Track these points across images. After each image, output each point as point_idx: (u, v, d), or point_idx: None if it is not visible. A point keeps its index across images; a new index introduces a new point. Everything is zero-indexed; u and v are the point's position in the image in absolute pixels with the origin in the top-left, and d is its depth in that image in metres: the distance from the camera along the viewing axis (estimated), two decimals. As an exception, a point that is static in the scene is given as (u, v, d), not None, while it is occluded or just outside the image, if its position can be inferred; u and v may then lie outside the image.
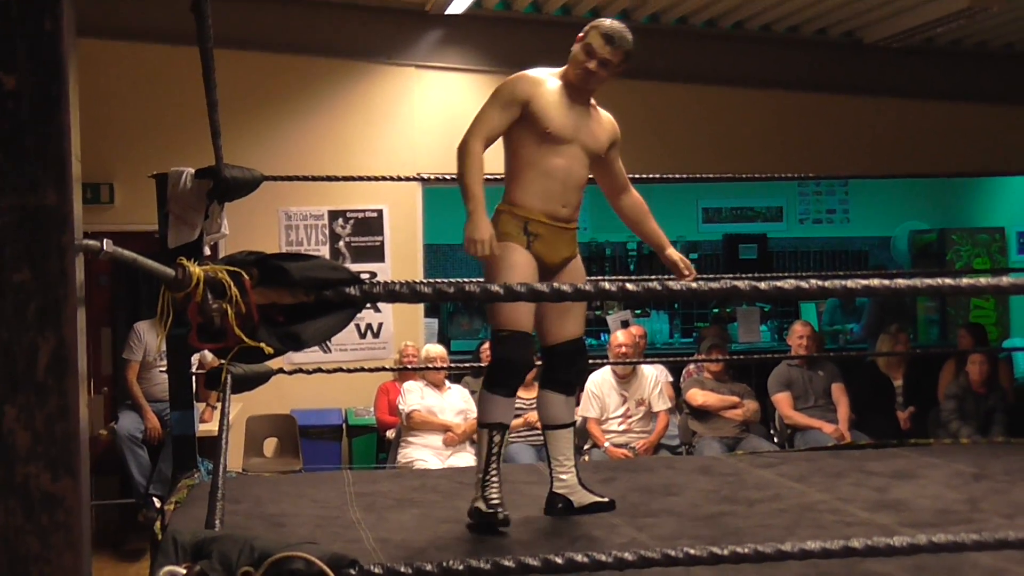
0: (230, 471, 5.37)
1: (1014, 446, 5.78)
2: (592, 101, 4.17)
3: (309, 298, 1.67)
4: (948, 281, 1.68)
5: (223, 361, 3.67)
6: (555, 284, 1.72)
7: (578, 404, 6.47)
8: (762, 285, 1.60)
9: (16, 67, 1.38)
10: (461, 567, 1.66)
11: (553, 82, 4.02)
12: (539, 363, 4.42)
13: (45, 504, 1.38)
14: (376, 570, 1.62)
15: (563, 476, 4.16)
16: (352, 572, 1.63)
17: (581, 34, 4.06)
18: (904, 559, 3.26)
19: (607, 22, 4.07)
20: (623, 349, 7.37)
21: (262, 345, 1.68)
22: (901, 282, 1.66)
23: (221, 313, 1.64)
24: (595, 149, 4.10)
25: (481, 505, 3.86)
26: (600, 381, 7.36)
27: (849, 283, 1.63)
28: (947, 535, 1.69)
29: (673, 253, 4.30)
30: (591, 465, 6.17)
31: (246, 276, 1.66)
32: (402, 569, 1.63)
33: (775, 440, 7.64)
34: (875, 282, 1.67)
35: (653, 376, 7.41)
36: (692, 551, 1.62)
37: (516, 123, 3.95)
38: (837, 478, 4.81)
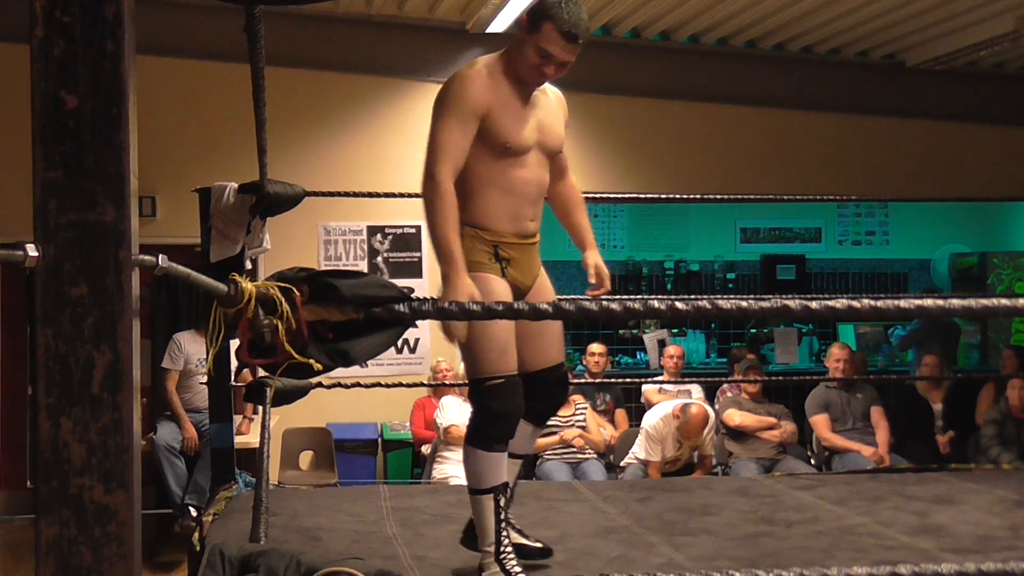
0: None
1: (1056, 472, 5.72)
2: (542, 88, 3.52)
3: (359, 316, 1.68)
4: (1004, 302, 1.67)
5: (269, 376, 3.69)
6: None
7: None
8: (813, 304, 1.60)
9: (79, 87, 1.41)
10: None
11: (501, 81, 3.36)
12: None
13: (98, 516, 1.40)
14: (421, 587, 1.62)
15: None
16: (397, 589, 1.63)
17: (526, 16, 3.35)
18: (945, 585, 3.22)
19: (564, 10, 3.26)
20: (674, 360, 7.48)
21: (311, 361, 1.70)
22: (955, 302, 1.65)
23: (272, 329, 1.65)
24: (555, 145, 3.50)
25: None
26: (659, 424, 7.25)
27: (902, 303, 1.63)
28: (994, 564, 1.68)
29: (594, 257, 3.66)
30: (626, 484, 6.15)
31: (297, 293, 1.68)
32: (447, 587, 1.63)
33: (812, 462, 7.59)
34: (928, 302, 1.66)
35: (710, 424, 7.26)
36: (735, 574, 1.61)
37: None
38: (876, 502, 4.77)
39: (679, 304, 1.66)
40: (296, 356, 1.68)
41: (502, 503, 3.31)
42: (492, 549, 3.30)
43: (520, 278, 3.46)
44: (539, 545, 3.61)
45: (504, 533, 3.32)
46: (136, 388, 1.45)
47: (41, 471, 1.39)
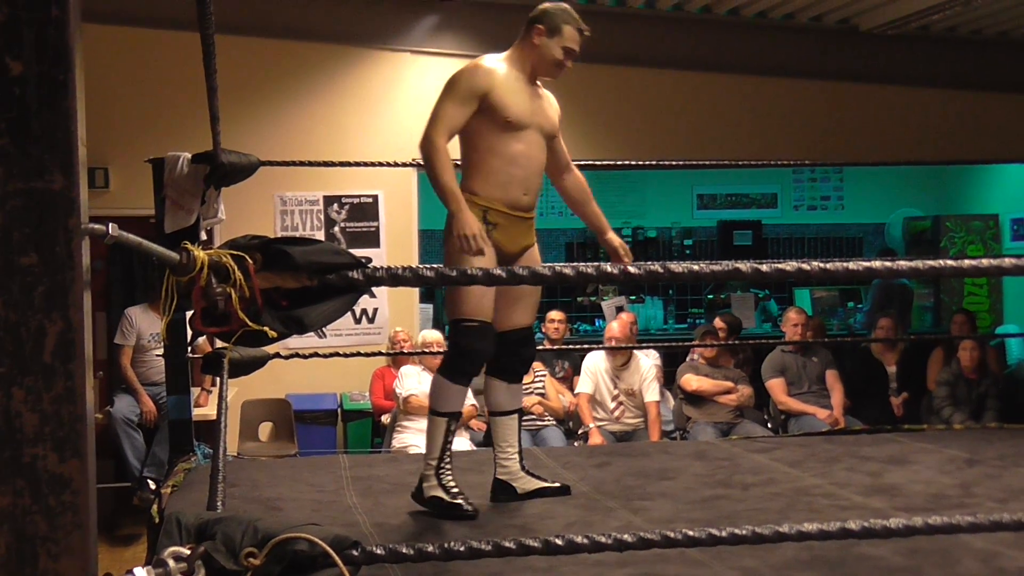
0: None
1: (1007, 432, 5.81)
2: (537, 82, 4.13)
3: (312, 282, 1.68)
4: (951, 263, 1.70)
5: (224, 345, 3.70)
6: (534, 268, 1.74)
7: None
8: (764, 267, 1.61)
9: (23, 53, 1.39)
10: (462, 548, 1.68)
11: (507, 69, 3.98)
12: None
13: (52, 485, 1.39)
14: (379, 551, 1.64)
15: (505, 463, 4.16)
16: (355, 553, 1.64)
17: (541, 25, 4.01)
18: (898, 543, 3.29)
19: (564, 10, 4.06)
20: (614, 342, 7.46)
21: (266, 329, 1.69)
22: (902, 263, 1.68)
23: (225, 297, 1.65)
24: (550, 131, 4.07)
25: (442, 494, 3.86)
26: (595, 365, 7.43)
27: (851, 264, 1.65)
28: (942, 518, 1.71)
29: (613, 238, 4.26)
30: (586, 450, 6.19)
31: (250, 260, 1.67)
32: (404, 550, 1.64)
33: (769, 426, 7.67)
34: (876, 264, 1.68)
35: (647, 367, 7.45)
36: (691, 533, 1.64)
37: (474, 114, 3.90)
38: (831, 463, 4.83)
39: (632, 268, 1.68)
40: (250, 324, 1.68)
41: (452, 428, 3.91)
42: (435, 463, 3.88)
43: (505, 243, 3.95)
44: (557, 484, 4.19)
45: (448, 453, 3.90)
46: (88, 357, 1.44)
47: (-6, 441, 1.38)
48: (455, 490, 3.86)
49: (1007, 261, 1.77)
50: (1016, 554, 3.29)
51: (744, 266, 1.64)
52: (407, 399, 7.14)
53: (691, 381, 7.54)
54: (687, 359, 8.06)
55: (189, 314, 2.40)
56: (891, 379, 8.06)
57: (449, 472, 3.89)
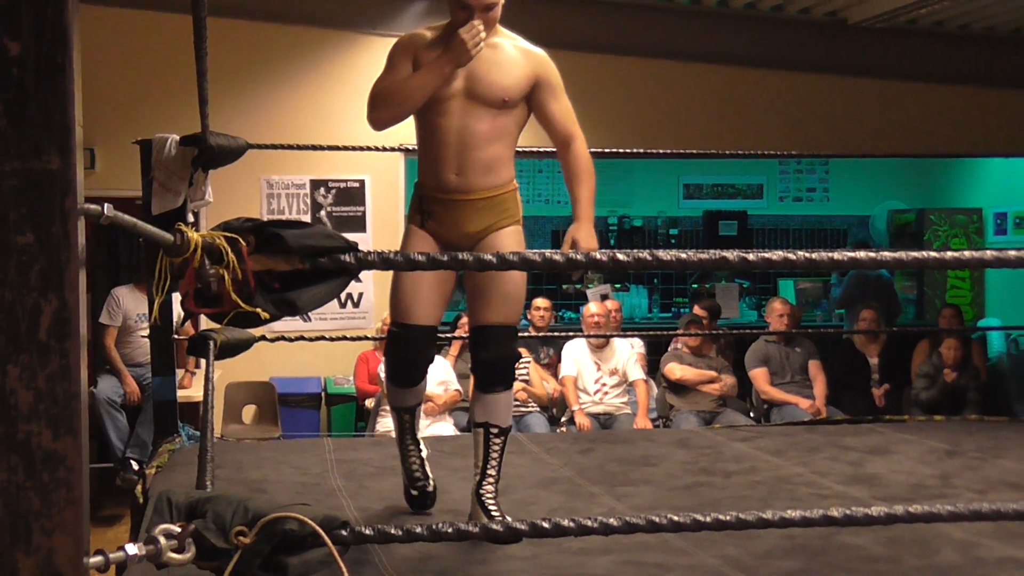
0: (210, 437, 5.40)
1: (987, 424, 5.87)
2: (503, 43, 3.52)
3: (305, 265, 1.70)
4: (932, 255, 1.72)
5: (214, 327, 3.70)
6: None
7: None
8: (750, 256, 1.64)
9: (21, 33, 1.40)
10: (450, 530, 1.70)
11: (430, 37, 3.49)
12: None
13: (46, 462, 1.41)
14: (367, 531, 1.66)
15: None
16: (343, 533, 1.66)
17: None
18: (878, 532, 3.32)
19: None
20: (595, 319, 7.54)
21: (258, 311, 1.71)
22: (886, 255, 1.70)
23: (218, 279, 1.66)
24: (493, 96, 3.44)
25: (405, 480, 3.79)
26: (575, 350, 7.52)
27: (835, 255, 1.67)
28: (923, 507, 1.74)
29: (574, 230, 3.52)
30: (569, 436, 6.23)
31: (243, 243, 1.69)
32: (392, 531, 1.66)
33: (751, 415, 7.72)
34: (860, 254, 1.71)
35: (627, 347, 7.53)
36: (676, 518, 1.66)
37: None
38: (813, 452, 4.88)
39: (621, 255, 1.70)
40: (243, 305, 1.70)
41: (406, 419, 3.76)
42: (401, 448, 3.79)
43: (442, 232, 3.49)
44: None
45: (408, 440, 3.76)
46: (84, 336, 1.46)
47: (-12, 418, 1.40)
48: (416, 475, 3.76)
49: (988, 254, 1.79)
50: (994, 544, 3.33)
51: (731, 255, 1.66)
52: (391, 384, 7.16)
53: (675, 370, 7.58)
54: (670, 348, 8.10)
55: (177, 296, 2.37)
56: (873, 370, 8.11)
57: (414, 459, 3.77)
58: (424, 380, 3.71)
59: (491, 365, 3.56)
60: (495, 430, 3.57)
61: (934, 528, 3.41)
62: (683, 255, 1.68)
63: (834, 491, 4.14)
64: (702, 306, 8.61)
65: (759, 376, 7.65)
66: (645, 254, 1.68)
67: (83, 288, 1.46)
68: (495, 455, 3.58)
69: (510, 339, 3.56)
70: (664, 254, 1.67)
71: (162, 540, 1.57)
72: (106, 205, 1.59)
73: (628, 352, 7.55)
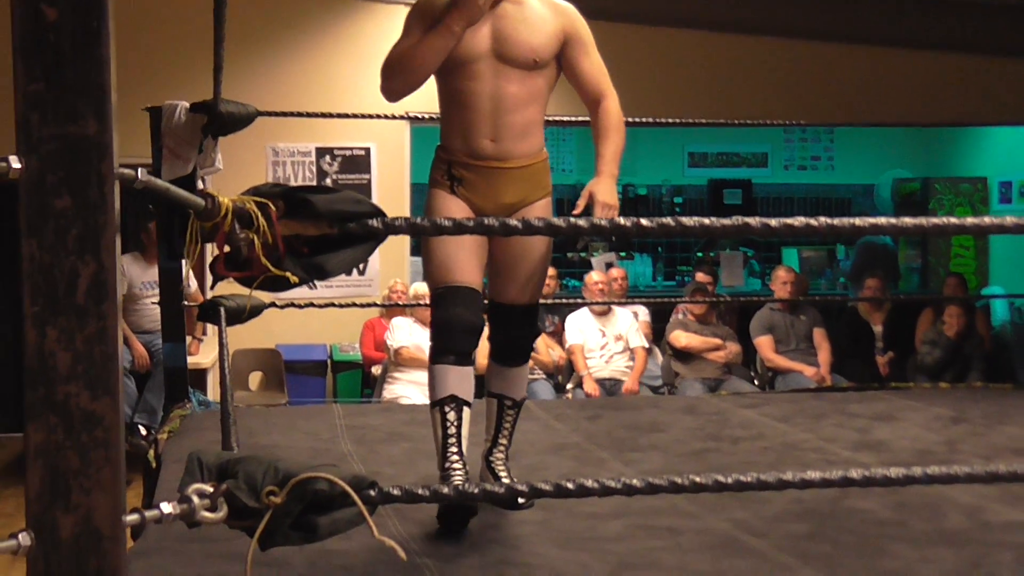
0: (215, 402, 5.45)
1: (991, 391, 5.91)
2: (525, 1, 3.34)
3: (333, 230, 1.72)
4: (936, 221, 1.75)
5: (222, 295, 3.71)
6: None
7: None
8: (772, 222, 1.66)
9: (58, 0, 1.42)
10: (476, 490, 1.73)
11: None
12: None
13: (85, 422, 1.43)
14: (395, 492, 1.69)
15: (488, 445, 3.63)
16: (372, 494, 1.69)
17: None
18: (886, 496, 3.37)
19: None
20: (599, 286, 7.58)
21: (287, 274, 1.73)
22: (886, 221, 1.73)
23: (248, 243, 1.69)
24: (523, 57, 3.29)
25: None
26: (579, 319, 7.58)
27: (856, 221, 1.70)
28: (939, 468, 1.77)
29: (592, 184, 3.39)
30: (576, 403, 6.27)
31: (273, 207, 1.71)
32: (419, 491, 1.69)
33: (756, 383, 7.76)
34: (866, 221, 1.73)
35: (628, 315, 7.62)
36: (697, 479, 1.69)
37: None
38: (819, 419, 4.92)
39: (645, 221, 1.72)
40: (272, 269, 1.72)
41: (450, 418, 3.24)
42: (439, 462, 3.25)
43: (475, 199, 3.36)
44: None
45: (452, 447, 3.22)
46: (119, 299, 1.48)
47: (28, 379, 1.42)
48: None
49: (986, 220, 1.81)
50: (1000, 508, 3.37)
51: (754, 221, 1.68)
52: (398, 351, 7.20)
53: (680, 338, 7.61)
54: (673, 316, 8.13)
55: (185, 264, 2.33)
56: (877, 338, 8.15)
57: (458, 471, 3.21)
58: (473, 362, 3.34)
59: (513, 342, 3.50)
60: (509, 402, 3.53)
61: (941, 492, 3.45)
62: (706, 221, 1.70)
63: (841, 456, 4.18)
64: (706, 272, 8.64)
65: (764, 344, 7.69)
66: (668, 220, 1.70)
67: (119, 252, 1.48)
68: (507, 425, 3.55)
69: (534, 319, 3.52)
70: (687, 220, 1.70)
71: (195, 499, 1.60)
72: (140, 170, 1.61)
73: (631, 320, 7.60)
